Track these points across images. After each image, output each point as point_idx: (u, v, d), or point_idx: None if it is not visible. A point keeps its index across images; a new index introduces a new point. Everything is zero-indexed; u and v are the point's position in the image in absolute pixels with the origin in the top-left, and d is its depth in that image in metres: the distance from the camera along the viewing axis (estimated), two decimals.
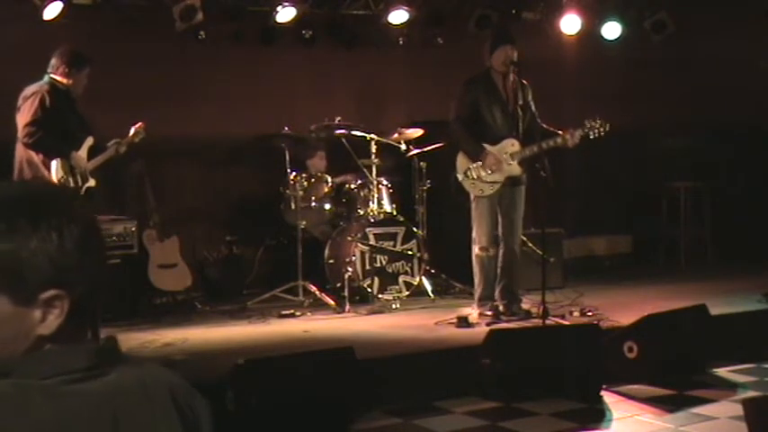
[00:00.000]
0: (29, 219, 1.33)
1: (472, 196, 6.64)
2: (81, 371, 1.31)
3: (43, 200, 1.38)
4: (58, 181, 6.11)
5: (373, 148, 7.59)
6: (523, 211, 6.71)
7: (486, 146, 6.56)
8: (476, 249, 6.68)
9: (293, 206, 7.53)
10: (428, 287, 7.57)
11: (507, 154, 6.55)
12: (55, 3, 6.95)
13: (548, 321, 6.22)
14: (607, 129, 6.45)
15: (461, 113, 6.62)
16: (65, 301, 1.33)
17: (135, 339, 6.06)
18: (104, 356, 1.36)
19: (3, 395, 1.24)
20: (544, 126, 6.60)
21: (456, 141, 6.72)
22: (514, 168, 6.56)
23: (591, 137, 6.46)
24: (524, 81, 6.66)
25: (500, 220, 6.64)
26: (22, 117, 6.09)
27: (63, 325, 1.33)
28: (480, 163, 6.53)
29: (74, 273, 1.34)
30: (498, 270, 6.69)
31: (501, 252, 6.66)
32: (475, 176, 6.57)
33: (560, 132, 6.48)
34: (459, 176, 6.66)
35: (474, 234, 6.67)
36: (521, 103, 6.61)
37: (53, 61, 6.25)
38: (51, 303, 1.32)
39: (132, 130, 6.56)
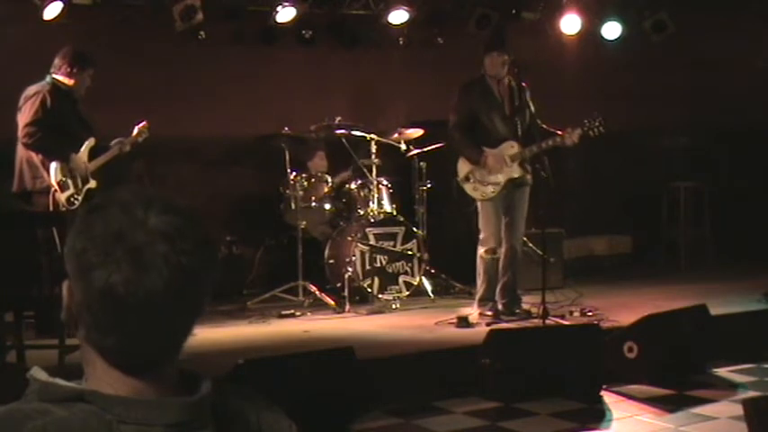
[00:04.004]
0: (108, 242, 1.19)
1: (477, 200, 6.65)
2: (165, 426, 1.22)
3: (131, 232, 1.19)
4: (57, 183, 6.11)
5: (373, 148, 7.59)
6: (526, 212, 6.71)
7: (485, 149, 6.57)
8: (481, 251, 6.68)
9: (293, 206, 7.53)
10: (428, 287, 7.57)
11: (507, 156, 6.55)
12: (55, 3, 6.95)
13: (548, 321, 6.23)
14: (606, 126, 6.43)
15: (459, 120, 6.63)
16: (91, 345, 1.25)
17: None
18: (197, 413, 1.26)
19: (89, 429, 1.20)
20: (544, 126, 6.60)
21: (456, 148, 6.73)
22: (514, 170, 6.56)
23: (591, 135, 6.45)
24: (523, 83, 6.66)
25: (502, 220, 6.64)
26: (23, 117, 6.09)
27: (107, 371, 1.24)
28: (481, 166, 6.54)
29: (92, 322, 1.22)
30: (500, 268, 6.70)
31: (502, 251, 6.66)
32: (477, 179, 6.58)
33: (559, 132, 6.48)
34: (461, 181, 6.67)
35: (481, 236, 6.68)
36: (517, 104, 6.61)
37: (56, 61, 6.24)
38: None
39: (136, 130, 6.55)
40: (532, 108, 6.64)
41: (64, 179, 6.15)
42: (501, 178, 6.56)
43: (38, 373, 1.25)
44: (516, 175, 6.57)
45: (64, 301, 1.27)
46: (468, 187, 6.65)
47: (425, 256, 7.51)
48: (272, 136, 7.67)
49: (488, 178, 6.56)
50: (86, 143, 6.32)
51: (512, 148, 6.57)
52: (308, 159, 8.09)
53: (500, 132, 6.60)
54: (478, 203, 6.68)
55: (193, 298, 1.25)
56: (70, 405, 1.21)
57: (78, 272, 1.21)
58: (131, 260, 1.18)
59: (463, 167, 6.66)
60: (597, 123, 6.42)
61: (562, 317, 6.52)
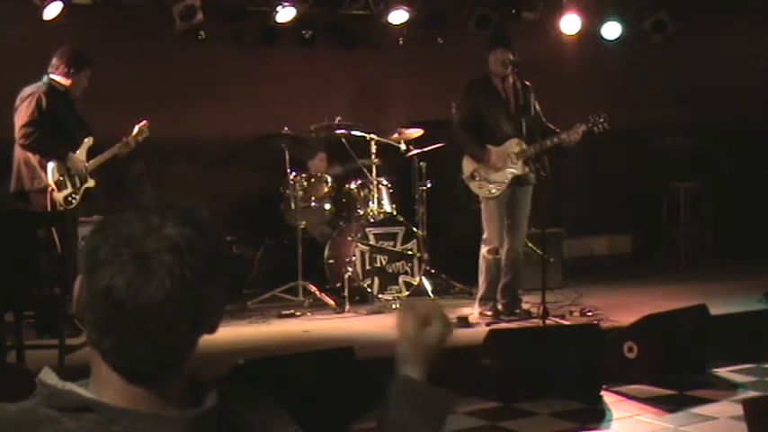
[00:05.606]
0: (118, 244, 1.20)
1: (481, 198, 6.65)
2: None
3: (142, 238, 1.20)
4: (55, 183, 6.11)
5: (373, 148, 7.59)
6: (528, 213, 6.71)
7: (489, 147, 6.57)
8: (484, 251, 6.67)
9: (293, 206, 7.53)
10: (428, 287, 7.57)
11: (511, 154, 6.56)
12: (55, 3, 6.96)
13: (548, 321, 6.23)
14: (609, 122, 6.43)
15: (463, 118, 6.65)
16: (92, 346, 1.25)
17: None
18: (202, 427, 1.25)
19: None
20: (549, 125, 6.61)
21: (460, 145, 6.73)
22: (519, 168, 6.57)
23: (595, 131, 6.46)
24: (527, 82, 6.67)
25: (504, 219, 6.64)
26: (20, 118, 6.09)
27: (109, 374, 1.24)
28: (486, 163, 6.54)
29: (93, 322, 1.23)
30: (501, 269, 6.69)
31: (504, 251, 6.66)
32: (482, 177, 6.58)
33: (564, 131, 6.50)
34: (466, 179, 6.67)
35: (484, 236, 6.67)
36: (521, 103, 6.62)
37: (54, 61, 6.25)
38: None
39: (136, 129, 6.54)
40: (537, 107, 6.66)
41: (61, 179, 6.15)
42: (506, 176, 6.56)
43: (48, 377, 1.25)
44: (521, 173, 6.58)
45: (74, 295, 1.27)
46: (473, 185, 6.65)
47: (425, 256, 7.51)
48: (272, 136, 7.67)
49: (493, 176, 6.57)
50: (85, 142, 6.33)
51: (516, 145, 6.58)
52: (309, 159, 8.08)
53: (504, 130, 6.61)
54: (482, 203, 6.68)
55: (195, 313, 1.23)
56: (79, 415, 1.21)
57: (87, 268, 1.23)
58: (136, 265, 1.19)
59: (468, 165, 6.66)
60: (602, 120, 6.44)
61: (562, 317, 6.52)
